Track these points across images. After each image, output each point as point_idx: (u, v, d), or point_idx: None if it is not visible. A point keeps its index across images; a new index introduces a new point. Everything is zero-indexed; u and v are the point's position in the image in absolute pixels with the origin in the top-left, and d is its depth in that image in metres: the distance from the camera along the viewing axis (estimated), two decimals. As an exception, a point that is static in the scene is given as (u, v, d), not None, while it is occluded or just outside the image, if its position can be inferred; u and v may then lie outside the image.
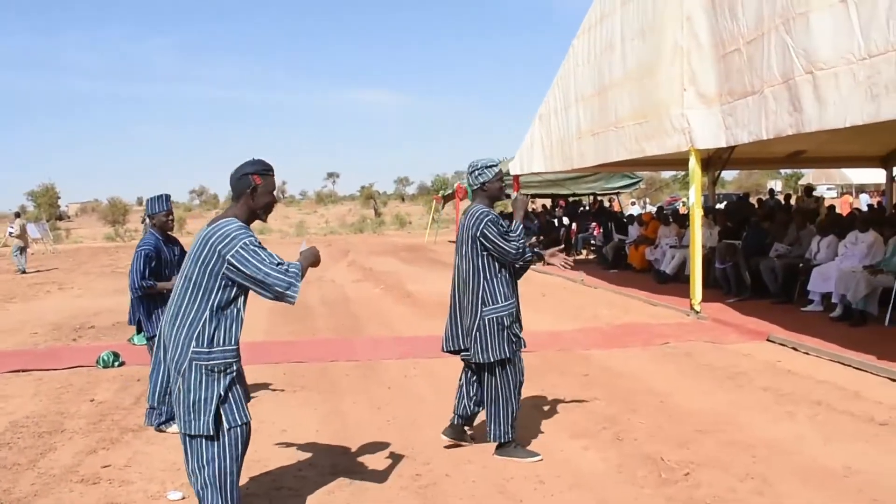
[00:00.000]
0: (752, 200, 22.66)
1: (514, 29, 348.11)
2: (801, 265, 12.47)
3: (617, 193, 29.88)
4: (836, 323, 10.66)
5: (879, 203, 20.37)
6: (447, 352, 6.11)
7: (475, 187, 5.91)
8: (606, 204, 30.06)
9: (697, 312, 11.70)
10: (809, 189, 20.34)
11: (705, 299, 11.87)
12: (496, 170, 5.88)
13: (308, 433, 6.58)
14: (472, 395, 6.05)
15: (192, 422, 4.02)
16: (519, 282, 5.96)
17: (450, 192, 33.05)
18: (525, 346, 5.93)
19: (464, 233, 5.78)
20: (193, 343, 4.01)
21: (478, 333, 5.69)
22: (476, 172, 5.87)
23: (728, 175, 22.26)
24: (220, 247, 4.01)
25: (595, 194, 29.44)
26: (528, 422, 6.67)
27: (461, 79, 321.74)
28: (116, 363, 9.40)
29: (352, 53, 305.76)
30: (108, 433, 6.73)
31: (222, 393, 4.06)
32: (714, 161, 18.10)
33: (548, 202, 32.08)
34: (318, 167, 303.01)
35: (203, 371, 4.02)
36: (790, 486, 5.11)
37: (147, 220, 7.36)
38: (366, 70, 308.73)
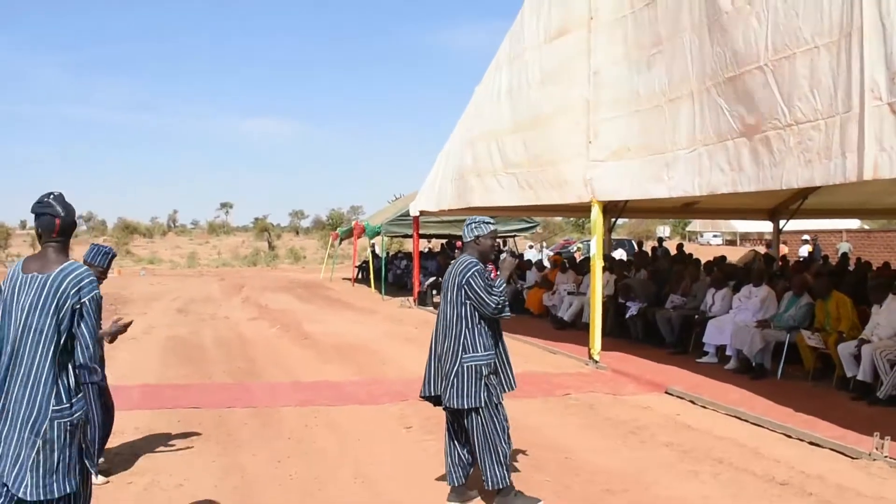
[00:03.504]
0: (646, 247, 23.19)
1: (416, 67, 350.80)
2: (696, 317, 12.75)
3: (513, 236, 30.18)
4: (731, 375, 10.89)
5: (767, 254, 21.01)
6: (424, 397, 6.11)
7: (468, 239, 6.01)
8: (504, 247, 30.30)
9: (596, 362, 11.80)
10: (770, 258, 20.37)
11: (603, 347, 11.99)
12: (491, 227, 6.01)
13: (205, 489, 6.30)
14: (464, 442, 6.02)
15: (56, 483, 3.78)
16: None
17: (347, 228, 32.84)
18: (502, 396, 5.93)
19: (450, 280, 5.88)
20: (53, 402, 3.80)
21: (455, 379, 5.73)
22: (473, 226, 6.00)
23: (619, 220, 22.82)
24: (72, 292, 3.84)
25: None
26: (426, 479, 6.56)
27: (361, 113, 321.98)
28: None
29: (246, 81, 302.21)
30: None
31: (83, 444, 3.95)
32: (610, 210, 18.47)
33: (444, 242, 32.16)
34: (210, 196, 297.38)
35: (66, 428, 3.82)
36: (700, 551, 5.11)
37: None
38: (261, 98, 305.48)
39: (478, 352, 5.74)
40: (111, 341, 6.04)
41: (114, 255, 6.81)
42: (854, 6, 7.25)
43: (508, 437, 5.87)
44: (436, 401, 6.03)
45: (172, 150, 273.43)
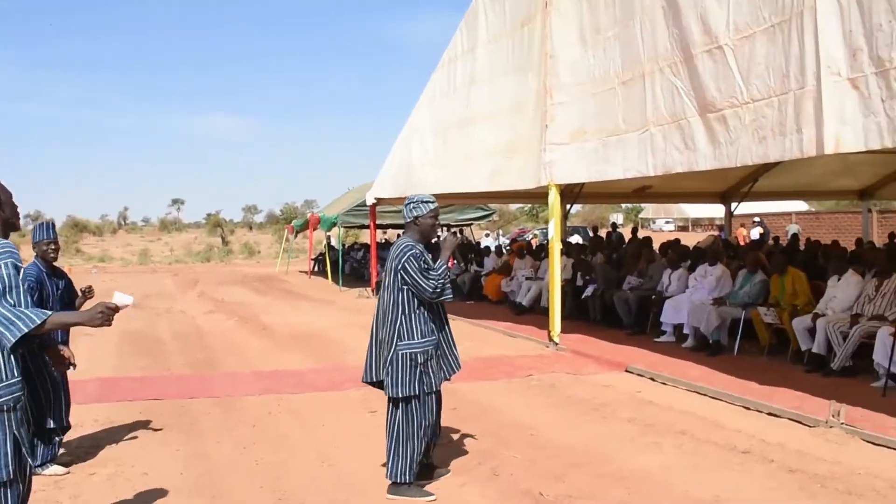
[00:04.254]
0: (601, 233, 23.42)
1: (369, 59, 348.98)
2: (653, 297, 12.90)
3: (470, 224, 30.27)
4: (689, 353, 11.05)
5: (718, 237, 21.38)
6: (366, 383, 5.96)
7: (408, 220, 5.82)
8: (459, 235, 30.37)
9: (556, 344, 11.89)
10: (728, 242, 21.02)
11: (562, 330, 12.09)
12: (432, 206, 5.80)
13: (171, 476, 6.25)
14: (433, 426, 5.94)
15: None
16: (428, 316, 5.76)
17: (303, 221, 32.66)
18: (437, 388, 5.79)
19: (388, 264, 5.71)
20: None
21: (391, 367, 5.61)
22: (411, 206, 5.80)
23: (573, 208, 23.01)
24: None
25: (448, 225, 29.72)
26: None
27: (311, 106, 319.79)
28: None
29: (196, 76, 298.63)
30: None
31: (17, 433, 3.65)
32: (565, 195, 18.60)
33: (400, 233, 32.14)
34: (162, 193, 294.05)
35: None
36: (666, 518, 5.19)
37: None
38: (211, 94, 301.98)
39: (414, 339, 5.59)
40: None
41: (52, 224, 6.74)
42: (805, -16, 7.41)
43: (424, 434, 5.72)
44: (378, 385, 5.88)
45: (122, 147, 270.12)
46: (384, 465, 5.84)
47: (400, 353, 5.58)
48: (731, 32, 8.48)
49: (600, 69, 11.04)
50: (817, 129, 7.27)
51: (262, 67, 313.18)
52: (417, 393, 5.60)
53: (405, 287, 5.59)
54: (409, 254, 5.57)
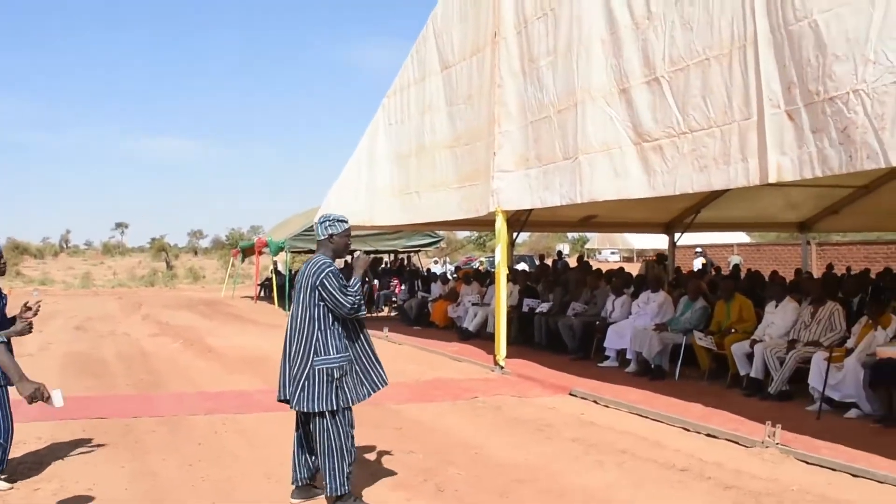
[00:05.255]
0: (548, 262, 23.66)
1: (317, 84, 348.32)
2: (597, 323, 13.13)
3: (418, 251, 30.39)
4: (631, 377, 11.28)
5: (659, 254, 21.95)
6: (280, 401, 6.00)
7: (322, 237, 5.94)
8: (406, 262, 30.48)
9: (502, 368, 12.04)
10: (662, 256, 21.72)
11: (508, 355, 12.24)
12: (346, 226, 5.99)
13: (117, 492, 6.24)
14: (313, 446, 5.95)
15: None
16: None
17: (248, 243, 32.52)
18: (355, 402, 5.87)
19: (303, 281, 5.79)
20: None
21: (306, 382, 5.68)
22: (326, 224, 5.94)
23: (520, 237, 23.20)
24: None
25: (396, 251, 29.82)
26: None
27: (258, 131, 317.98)
28: None
29: (141, 98, 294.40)
30: None
31: None
32: (513, 223, 18.80)
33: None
34: (105, 217, 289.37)
35: None
36: (606, 532, 5.33)
37: None
38: (157, 116, 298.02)
39: (330, 354, 5.70)
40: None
41: None
42: (747, 20, 7.73)
43: (352, 444, 5.84)
44: (288, 403, 5.93)
45: (65, 169, 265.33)
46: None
47: (317, 368, 5.67)
48: (667, 64, 8.79)
49: (539, 98, 11.32)
50: (760, 159, 7.57)
51: (207, 89, 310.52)
52: (334, 407, 5.70)
53: (321, 303, 5.72)
54: (327, 270, 5.70)
